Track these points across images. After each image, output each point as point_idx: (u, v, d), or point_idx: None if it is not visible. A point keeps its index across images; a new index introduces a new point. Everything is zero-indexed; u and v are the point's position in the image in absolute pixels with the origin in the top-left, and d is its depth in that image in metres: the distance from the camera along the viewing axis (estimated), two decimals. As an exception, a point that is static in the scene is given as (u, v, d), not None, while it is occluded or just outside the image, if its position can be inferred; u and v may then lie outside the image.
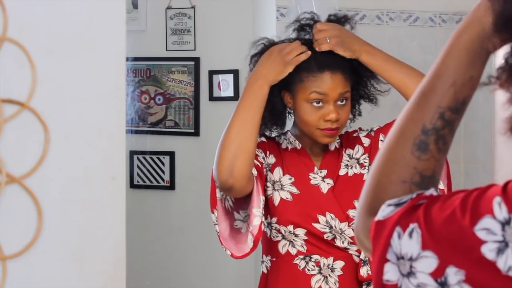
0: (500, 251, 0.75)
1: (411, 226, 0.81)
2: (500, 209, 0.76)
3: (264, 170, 1.88)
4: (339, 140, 1.98)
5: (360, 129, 2.02)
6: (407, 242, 0.81)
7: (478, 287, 0.76)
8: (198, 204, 3.52)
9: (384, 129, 1.96)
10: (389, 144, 0.89)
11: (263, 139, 1.94)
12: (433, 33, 3.12)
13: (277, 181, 1.89)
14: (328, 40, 1.83)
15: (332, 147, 1.95)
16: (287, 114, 1.97)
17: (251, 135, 1.78)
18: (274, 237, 1.89)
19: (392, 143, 0.89)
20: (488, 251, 0.76)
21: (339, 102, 1.84)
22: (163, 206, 3.59)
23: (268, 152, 1.92)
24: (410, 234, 0.81)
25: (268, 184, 1.89)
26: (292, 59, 1.81)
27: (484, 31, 0.84)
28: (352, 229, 1.86)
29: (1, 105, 1.15)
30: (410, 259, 0.81)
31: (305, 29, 1.91)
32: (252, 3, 3.41)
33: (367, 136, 1.97)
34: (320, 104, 1.83)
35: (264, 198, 1.83)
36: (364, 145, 1.96)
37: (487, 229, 0.76)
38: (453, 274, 0.78)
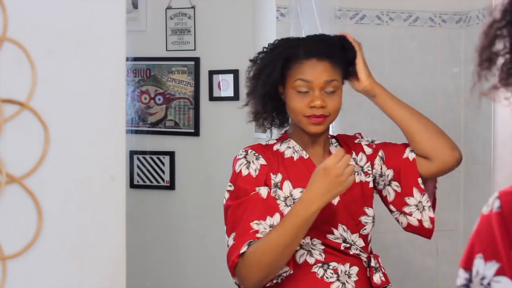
0: None
1: None
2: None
3: (273, 191, 1.85)
4: (336, 144, 1.98)
5: (360, 135, 2.01)
6: None
7: None
8: (198, 204, 3.52)
9: (384, 147, 1.96)
10: None
11: (262, 160, 1.86)
12: (433, 33, 3.11)
13: (288, 196, 1.86)
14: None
15: (334, 152, 1.94)
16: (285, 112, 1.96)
17: (287, 259, 1.76)
18: None
19: None
20: None
21: (326, 90, 1.84)
22: (163, 206, 3.59)
23: (271, 174, 1.86)
24: None
25: (280, 201, 1.84)
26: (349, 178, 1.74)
27: None
28: (362, 238, 1.89)
29: (1, 105, 1.15)
30: None
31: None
32: (252, 3, 3.41)
33: (369, 145, 1.97)
34: (306, 91, 1.83)
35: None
36: (367, 153, 1.95)
37: None
38: None
